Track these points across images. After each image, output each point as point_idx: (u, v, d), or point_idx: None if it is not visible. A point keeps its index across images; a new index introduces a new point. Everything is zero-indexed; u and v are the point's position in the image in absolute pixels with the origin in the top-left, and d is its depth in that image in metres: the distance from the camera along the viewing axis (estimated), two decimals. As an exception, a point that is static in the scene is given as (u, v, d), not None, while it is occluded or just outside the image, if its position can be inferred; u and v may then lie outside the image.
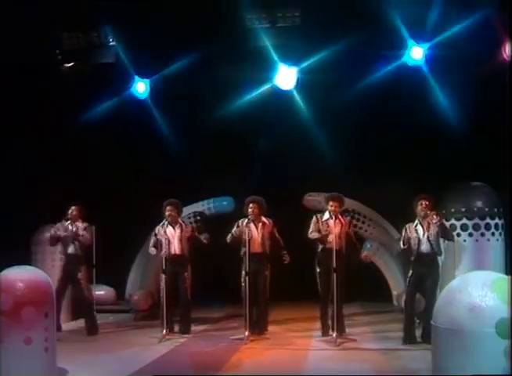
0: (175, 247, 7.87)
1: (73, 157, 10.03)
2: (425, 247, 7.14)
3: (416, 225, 7.24)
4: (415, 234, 7.21)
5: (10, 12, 7.90)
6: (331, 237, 7.32)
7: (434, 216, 7.08)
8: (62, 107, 9.63)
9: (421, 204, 7.17)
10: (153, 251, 7.94)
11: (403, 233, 7.34)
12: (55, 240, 8.18)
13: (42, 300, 5.09)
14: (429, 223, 7.15)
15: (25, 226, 8.99)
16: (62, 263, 8.34)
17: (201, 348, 7.10)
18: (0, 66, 8.36)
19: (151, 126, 10.04)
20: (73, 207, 8.17)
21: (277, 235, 7.83)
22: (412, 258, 7.25)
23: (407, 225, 7.32)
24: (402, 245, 7.32)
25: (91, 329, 8.06)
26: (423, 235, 7.15)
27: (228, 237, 7.71)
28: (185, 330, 7.90)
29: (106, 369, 6.07)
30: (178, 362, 6.47)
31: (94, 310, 8.27)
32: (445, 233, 7.20)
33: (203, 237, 7.99)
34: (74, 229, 8.09)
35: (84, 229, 8.10)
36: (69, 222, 8.14)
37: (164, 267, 7.71)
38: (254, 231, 7.64)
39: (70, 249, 8.07)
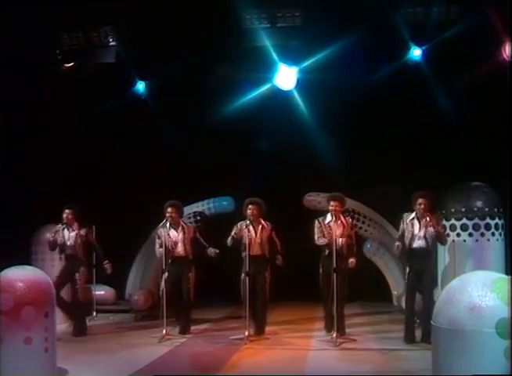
0: (179, 249, 7.88)
1: (73, 157, 10.02)
2: (419, 243, 7.12)
3: (412, 219, 7.22)
4: (410, 228, 7.19)
5: (10, 12, 7.91)
6: (339, 241, 7.31)
7: (431, 228, 7.08)
8: (62, 107, 9.63)
9: (419, 204, 7.13)
10: (160, 252, 7.86)
11: (400, 225, 7.32)
12: (53, 245, 8.09)
13: (42, 300, 5.08)
14: (427, 221, 7.12)
15: (25, 226, 8.98)
16: (62, 263, 8.33)
17: (201, 348, 7.10)
18: (0, 67, 8.36)
19: (151, 126, 10.04)
20: (67, 211, 8.03)
21: (275, 238, 7.82)
22: (406, 253, 7.20)
23: (404, 215, 7.30)
24: (398, 240, 7.28)
25: (80, 330, 7.92)
26: (419, 230, 7.13)
27: (229, 240, 7.66)
28: (185, 331, 7.89)
29: (106, 369, 6.06)
30: (178, 362, 6.47)
31: (84, 312, 8.25)
32: (439, 238, 7.21)
33: (213, 251, 7.86)
34: (74, 235, 8.00)
35: (86, 234, 8.06)
36: (64, 226, 8.04)
37: (164, 267, 7.72)
38: (253, 234, 7.64)
39: (69, 250, 8.04)
